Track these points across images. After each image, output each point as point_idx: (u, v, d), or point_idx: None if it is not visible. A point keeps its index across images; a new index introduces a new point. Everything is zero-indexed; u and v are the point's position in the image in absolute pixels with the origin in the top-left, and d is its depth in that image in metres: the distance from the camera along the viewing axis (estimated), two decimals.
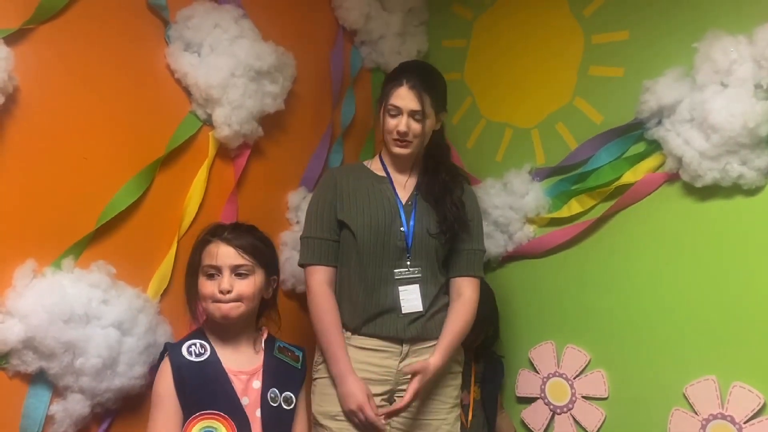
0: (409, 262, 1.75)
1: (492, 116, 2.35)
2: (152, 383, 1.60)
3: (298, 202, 2.08)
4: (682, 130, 1.82)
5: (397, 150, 1.77)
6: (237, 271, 1.54)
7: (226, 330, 1.56)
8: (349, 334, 1.73)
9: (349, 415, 1.64)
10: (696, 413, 1.81)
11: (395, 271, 1.73)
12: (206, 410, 1.45)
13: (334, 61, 2.22)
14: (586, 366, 2.06)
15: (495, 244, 2.20)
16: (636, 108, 1.94)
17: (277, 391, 1.55)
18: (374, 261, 1.73)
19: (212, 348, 1.53)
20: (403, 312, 1.72)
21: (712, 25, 1.80)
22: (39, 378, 1.47)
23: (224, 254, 1.53)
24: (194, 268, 1.57)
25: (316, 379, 1.74)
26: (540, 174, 2.19)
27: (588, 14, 2.12)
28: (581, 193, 2.09)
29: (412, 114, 1.74)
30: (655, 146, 1.94)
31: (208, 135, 1.85)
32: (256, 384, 1.53)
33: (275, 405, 1.54)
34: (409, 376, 1.69)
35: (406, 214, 1.77)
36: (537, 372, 2.15)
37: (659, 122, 1.90)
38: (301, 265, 1.78)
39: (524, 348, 2.19)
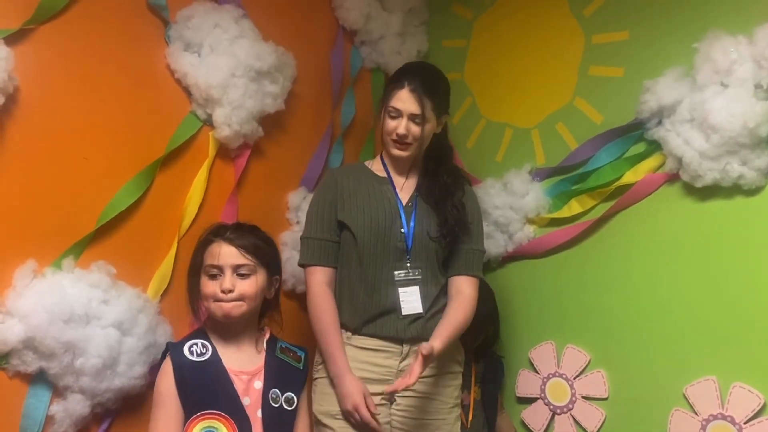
0: (408, 264, 1.75)
1: (492, 116, 2.35)
2: (152, 383, 1.60)
3: (299, 202, 2.08)
4: (683, 131, 1.82)
5: (396, 152, 1.77)
6: (239, 271, 1.54)
7: (227, 330, 1.56)
8: (349, 334, 1.73)
9: (347, 415, 1.64)
10: (696, 413, 1.81)
11: (395, 272, 1.73)
12: (207, 410, 1.45)
13: (334, 61, 2.22)
14: (586, 366, 2.06)
15: (495, 244, 2.20)
16: (636, 108, 1.93)
17: (278, 391, 1.56)
18: (374, 262, 1.73)
19: (214, 348, 1.53)
20: (403, 313, 1.72)
21: (713, 25, 1.80)
22: (39, 378, 1.47)
23: (226, 254, 1.53)
24: (196, 267, 1.57)
25: (316, 378, 1.74)
26: (540, 174, 2.19)
27: (588, 14, 2.12)
28: (581, 194, 2.09)
29: (412, 117, 1.73)
30: (656, 146, 1.94)
31: (209, 135, 1.85)
32: (258, 384, 1.53)
33: (276, 405, 1.54)
34: None
35: (406, 215, 1.77)
36: (537, 372, 2.15)
37: (659, 122, 1.90)
38: (301, 265, 1.78)
39: (524, 348, 2.19)
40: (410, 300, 1.73)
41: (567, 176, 2.13)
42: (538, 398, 2.14)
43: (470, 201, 1.86)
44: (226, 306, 1.51)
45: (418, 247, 1.76)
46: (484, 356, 2.14)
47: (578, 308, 2.09)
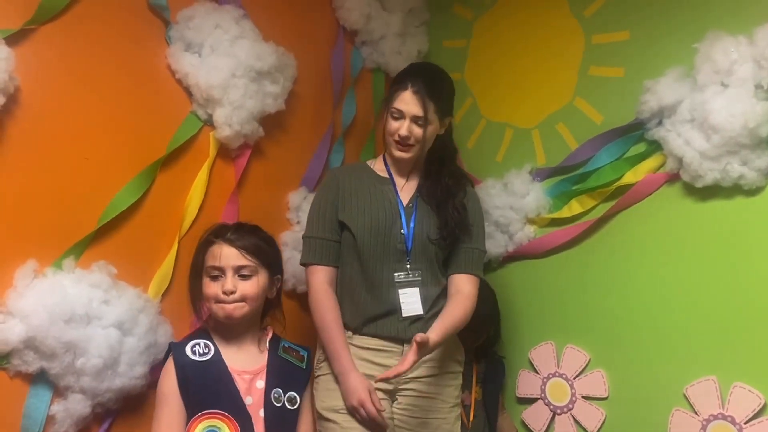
0: (408, 265, 1.75)
1: (492, 116, 2.35)
2: (153, 383, 1.61)
3: (299, 202, 2.08)
4: (683, 131, 1.82)
5: (398, 153, 1.77)
6: (240, 272, 1.54)
7: (229, 330, 1.56)
8: (350, 333, 1.74)
9: (352, 411, 1.64)
10: (696, 413, 1.82)
11: (395, 274, 1.73)
12: (209, 410, 1.45)
13: (334, 61, 2.22)
14: (586, 366, 2.06)
15: (495, 244, 2.20)
16: (636, 108, 1.94)
17: (280, 391, 1.56)
18: (374, 262, 1.73)
19: (216, 348, 1.53)
20: (403, 315, 1.72)
21: (713, 26, 1.80)
22: (40, 378, 1.47)
23: (227, 255, 1.53)
24: (198, 269, 1.58)
25: (318, 376, 1.74)
26: (540, 174, 2.20)
27: (588, 14, 2.12)
28: (582, 194, 2.09)
29: (414, 119, 1.73)
30: (656, 146, 1.94)
31: (209, 135, 1.85)
32: (260, 384, 1.53)
33: (279, 405, 1.54)
34: (409, 375, 1.70)
35: (406, 216, 1.77)
36: (537, 372, 2.15)
37: (660, 122, 1.90)
38: (303, 264, 1.79)
39: (524, 348, 2.19)
40: (410, 302, 1.73)
41: (567, 176, 2.13)
42: (538, 398, 2.14)
43: (472, 202, 1.85)
44: (228, 307, 1.52)
45: (418, 249, 1.76)
46: (485, 356, 2.14)
47: (578, 308, 2.10)
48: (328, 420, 1.67)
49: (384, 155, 1.87)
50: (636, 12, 2.01)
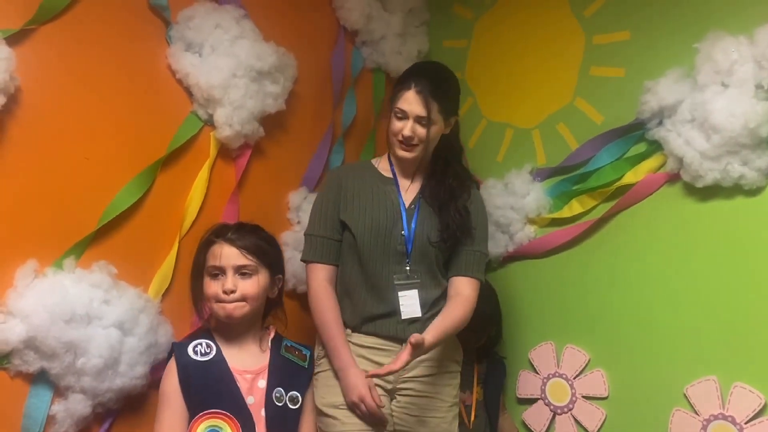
0: (408, 267, 1.75)
1: (493, 116, 2.35)
2: (153, 383, 1.61)
3: (299, 202, 2.08)
4: (683, 131, 1.82)
5: (401, 153, 1.76)
6: (240, 271, 1.54)
7: (231, 329, 1.57)
8: (349, 331, 1.74)
9: (352, 407, 1.65)
10: (697, 413, 1.81)
11: (395, 275, 1.73)
12: (211, 409, 1.46)
13: (335, 61, 2.22)
14: (586, 366, 2.06)
15: (496, 244, 2.20)
16: (637, 108, 1.94)
17: (282, 390, 1.56)
18: (374, 263, 1.73)
19: (218, 347, 1.54)
20: (402, 317, 1.72)
21: (713, 26, 1.80)
22: (40, 378, 1.47)
23: (227, 255, 1.54)
24: (199, 268, 1.58)
25: (318, 372, 1.74)
26: (541, 174, 2.20)
27: (589, 14, 2.12)
28: (582, 194, 2.09)
29: (418, 119, 1.72)
30: (656, 147, 1.94)
31: (210, 135, 1.85)
32: (262, 383, 1.54)
33: (280, 404, 1.54)
34: (407, 375, 1.70)
35: (407, 217, 1.77)
36: (537, 373, 2.15)
37: (660, 123, 1.90)
38: (303, 260, 1.79)
39: (524, 349, 2.19)
40: (410, 304, 1.73)
41: (568, 176, 2.13)
42: (538, 399, 2.14)
43: (476, 204, 1.84)
44: (229, 306, 1.52)
45: (418, 251, 1.75)
46: (486, 357, 2.14)
47: (578, 308, 2.10)
48: (327, 416, 1.68)
49: (389, 154, 1.86)
50: (636, 12, 2.01)
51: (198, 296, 1.59)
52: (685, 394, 1.84)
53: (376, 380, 1.68)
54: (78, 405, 1.49)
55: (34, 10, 1.50)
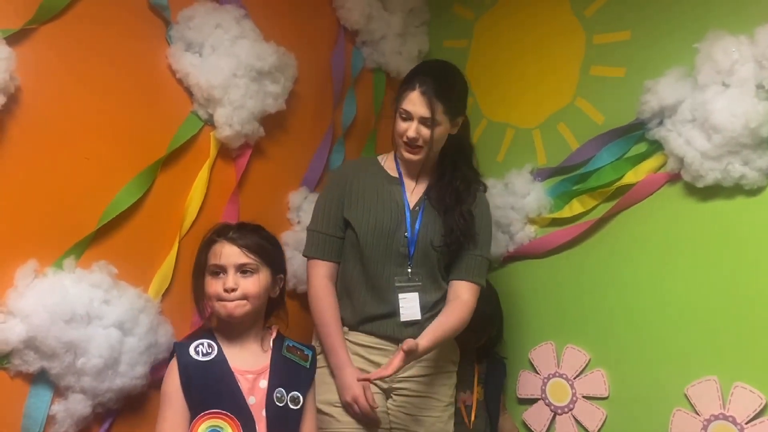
0: (410, 270, 1.74)
1: (493, 116, 2.35)
2: (153, 383, 1.61)
3: (300, 202, 2.08)
4: (684, 131, 1.82)
5: (406, 155, 1.74)
6: (242, 270, 1.54)
7: (233, 329, 1.56)
8: (346, 329, 1.74)
9: (346, 407, 1.66)
10: (697, 414, 1.81)
11: (396, 277, 1.73)
12: (212, 409, 1.46)
13: (335, 61, 2.22)
14: (586, 366, 2.06)
15: (496, 244, 2.19)
16: (637, 108, 1.94)
17: (283, 390, 1.55)
18: (376, 264, 1.73)
19: (219, 347, 1.54)
20: (402, 320, 1.72)
21: (714, 25, 1.80)
22: (40, 378, 1.47)
23: (228, 253, 1.54)
24: (201, 267, 1.58)
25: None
26: (541, 174, 2.19)
27: (589, 14, 2.12)
28: (583, 194, 2.09)
29: (422, 120, 1.69)
30: (657, 146, 1.94)
31: (210, 135, 1.85)
32: (263, 383, 1.53)
33: (281, 405, 1.54)
34: (403, 375, 1.70)
35: (411, 218, 1.76)
36: (537, 373, 2.15)
37: (660, 122, 1.90)
38: (305, 255, 1.79)
39: (524, 349, 2.19)
40: (410, 306, 1.73)
41: (568, 176, 2.13)
42: (538, 399, 2.14)
43: (481, 209, 1.82)
44: (230, 305, 1.52)
45: (420, 253, 1.74)
46: (486, 357, 2.14)
47: (578, 308, 2.09)
48: (323, 413, 1.68)
49: (395, 153, 1.84)
50: (637, 12, 2.01)
51: (200, 295, 1.59)
52: (685, 394, 1.84)
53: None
54: (78, 405, 1.49)
55: (34, 9, 1.49)
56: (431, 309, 1.75)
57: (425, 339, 1.62)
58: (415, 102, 1.68)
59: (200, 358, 1.51)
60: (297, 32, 2.10)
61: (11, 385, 1.44)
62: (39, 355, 1.44)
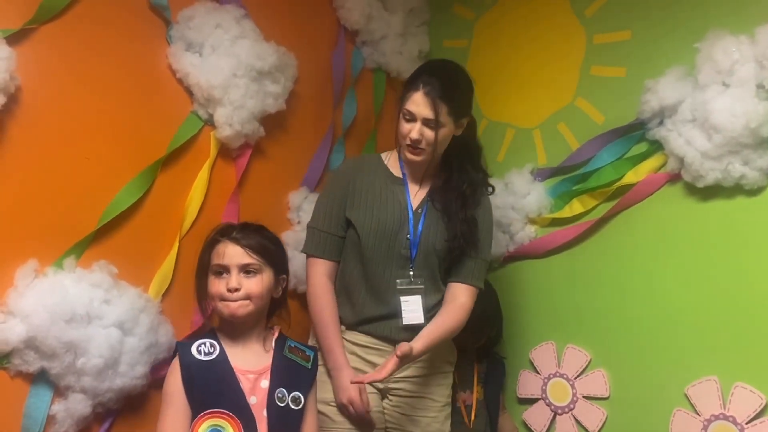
0: (411, 272, 1.73)
1: (493, 116, 2.35)
2: (154, 383, 1.61)
3: (300, 202, 2.08)
4: (684, 130, 1.82)
5: (410, 156, 1.72)
6: (245, 270, 1.54)
7: (235, 329, 1.57)
8: (343, 328, 1.75)
9: (341, 408, 1.66)
10: (698, 414, 1.81)
11: (397, 280, 1.72)
12: (213, 409, 1.46)
13: (335, 61, 2.22)
14: (587, 366, 2.05)
15: (496, 244, 2.19)
16: (638, 108, 1.94)
17: (284, 390, 1.56)
18: (377, 265, 1.73)
19: (221, 347, 1.54)
20: (404, 323, 1.71)
21: (714, 25, 1.80)
22: (40, 378, 1.47)
23: (232, 253, 1.54)
24: (204, 267, 1.59)
25: None
26: (542, 174, 2.19)
27: (590, 14, 2.12)
28: (583, 194, 2.09)
29: (425, 122, 1.66)
30: (657, 146, 1.94)
31: (210, 135, 1.85)
32: (264, 383, 1.54)
33: (282, 405, 1.54)
34: (400, 375, 1.70)
35: (414, 220, 1.75)
36: (538, 372, 2.15)
37: (661, 122, 1.90)
38: (304, 252, 1.79)
39: (525, 348, 2.19)
40: (412, 309, 1.72)
41: (568, 176, 2.13)
42: (539, 399, 2.14)
43: (484, 213, 1.80)
44: (233, 305, 1.52)
45: (422, 256, 1.74)
46: (486, 356, 2.14)
47: (579, 308, 2.09)
48: (319, 413, 1.68)
49: (399, 152, 1.81)
50: (637, 11, 2.01)
51: (202, 295, 1.60)
52: (686, 395, 1.84)
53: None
54: (78, 405, 1.49)
55: (35, 9, 1.49)
56: (430, 311, 1.74)
57: (420, 342, 1.61)
58: (418, 103, 1.66)
59: (202, 357, 1.51)
60: (297, 32, 2.10)
61: (11, 384, 1.44)
62: (39, 354, 1.44)
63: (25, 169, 1.49)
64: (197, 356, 1.51)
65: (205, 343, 1.53)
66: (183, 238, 1.76)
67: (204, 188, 1.82)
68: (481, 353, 2.12)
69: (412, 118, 1.68)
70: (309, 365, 1.64)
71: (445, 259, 1.76)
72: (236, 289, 1.52)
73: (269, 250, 1.59)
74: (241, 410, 1.48)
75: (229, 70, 1.77)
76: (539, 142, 2.22)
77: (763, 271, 1.76)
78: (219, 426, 1.46)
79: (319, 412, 1.67)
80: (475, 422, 2.05)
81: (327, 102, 2.22)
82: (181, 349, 1.52)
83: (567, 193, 2.13)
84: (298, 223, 2.07)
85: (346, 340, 1.73)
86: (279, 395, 1.54)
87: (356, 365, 1.71)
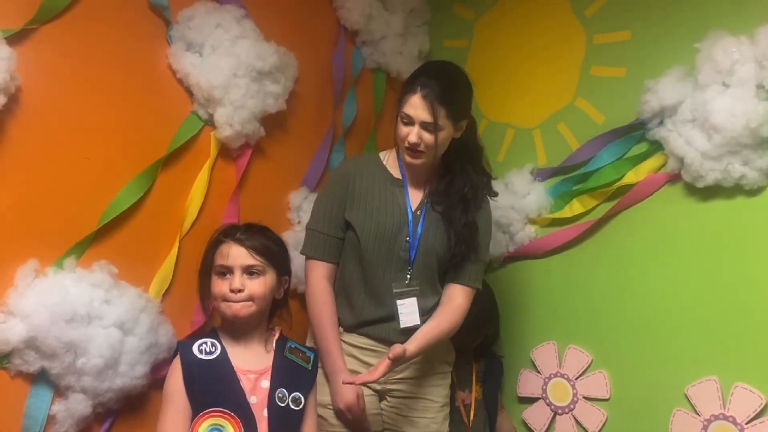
0: (409, 275, 1.73)
1: (493, 116, 2.35)
2: (154, 383, 1.61)
3: (300, 202, 2.08)
4: (684, 131, 1.82)
5: (409, 159, 1.70)
6: (248, 271, 1.55)
7: (237, 329, 1.57)
8: (341, 329, 1.74)
9: (338, 413, 1.66)
10: (698, 414, 1.81)
11: (394, 284, 1.71)
12: (214, 408, 1.46)
13: (335, 61, 2.22)
14: (588, 366, 2.05)
15: (496, 244, 2.20)
16: (638, 108, 1.94)
17: (285, 391, 1.56)
18: (376, 268, 1.73)
19: (222, 347, 1.54)
20: (401, 326, 1.71)
21: (714, 26, 1.80)
22: (41, 378, 1.47)
23: (236, 254, 1.54)
24: (207, 268, 1.59)
25: None
26: (542, 174, 2.19)
27: (590, 14, 2.12)
28: (583, 194, 2.09)
29: (424, 125, 1.64)
30: (657, 146, 1.94)
31: (210, 135, 1.85)
32: (265, 383, 1.54)
33: (283, 405, 1.54)
34: (397, 376, 1.70)
35: (414, 223, 1.74)
36: (538, 372, 2.15)
37: (661, 122, 1.90)
38: (303, 254, 1.79)
39: (526, 348, 2.19)
40: (409, 312, 1.71)
41: (568, 176, 2.13)
42: (539, 398, 2.14)
43: (483, 216, 1.79)
44: (235, 306, 1.53)
45: (421, 259, 1.73)
46: (484, 356, 2.14)
47: (580, 308, 2.09)
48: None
49: (398, 153, 1.79)
50: (637, 11, 2.01)
51: (205, 295, 1.60)
52: (685, 395, 1.84)
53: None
54: (78, 405, 1.49)
55: (35, 9, 1.49)
56: (428, 313, 1.74)
57: (414, 344, 1.61)
58: (416, 106, 1.63)
59: (203, 357, 1.51)
60: (297, 32, 2.10)
61: (11, 384, 1.44)
62: (39, 354, 1.44)
63: (25, 169, 1.49)
64: (199, 355, 1.51)
65: (206, 343, 1.54)
66: (183, 238, 1.76)
67: (204, 188, 1.82)
68: (479, 352, 2.12)
69: (410, 121, 1.66)
70: (309, 366, 1.65)
71: (444, 263, 1.75)
72: (239, 290, 1.52)
73: (273, 252, 1.59)
74: (241, 410, 1.48)
75: (229, 70, 1.77)
76: (539, 142, 2.22)
77: (763, 271, 1.76)
78: (219, 425, 1.46)
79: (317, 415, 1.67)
80: (475, 421, 2.06)
81: (327, 102, 2.22)
82: (183, 348, 1.52)
83: (567, 193, 2.13)
84: (298, 223, 2.07)
85: (345, 342, 1.73)
86: (279, 395, 1.55)
87: (354, 367, 1.71)
